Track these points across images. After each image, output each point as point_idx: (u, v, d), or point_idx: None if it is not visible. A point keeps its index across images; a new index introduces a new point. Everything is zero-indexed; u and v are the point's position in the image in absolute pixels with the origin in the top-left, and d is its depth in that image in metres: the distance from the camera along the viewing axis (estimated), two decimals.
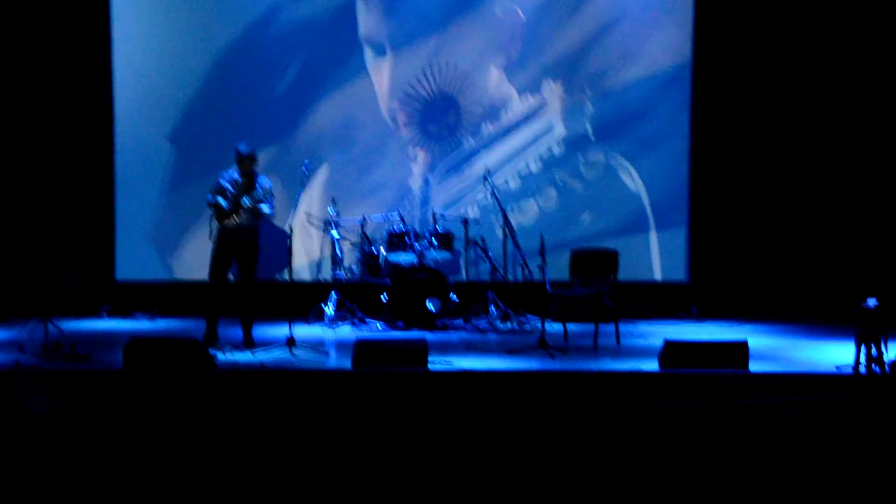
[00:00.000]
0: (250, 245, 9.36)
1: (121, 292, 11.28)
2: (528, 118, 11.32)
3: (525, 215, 11.24)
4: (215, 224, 9.39)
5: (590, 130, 11.30)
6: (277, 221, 10.73)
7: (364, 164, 11.38)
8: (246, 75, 11.33)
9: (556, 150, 11.32)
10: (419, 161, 11.39)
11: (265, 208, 9.29)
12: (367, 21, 11.28)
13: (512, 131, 11.35)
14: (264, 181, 9.39)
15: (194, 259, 11.17)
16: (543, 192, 11.34)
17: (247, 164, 9.33)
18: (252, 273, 9.40)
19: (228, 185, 9.34)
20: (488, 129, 11.30)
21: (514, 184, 11.32)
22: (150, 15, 11.27)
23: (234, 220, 9.25)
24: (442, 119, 11.31)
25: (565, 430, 6.25)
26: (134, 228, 11.32)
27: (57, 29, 11.09)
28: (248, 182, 9.31)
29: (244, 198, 9.19)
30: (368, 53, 11.32)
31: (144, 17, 11.26)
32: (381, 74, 11.35)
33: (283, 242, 9.81)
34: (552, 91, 11.29)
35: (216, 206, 9.33)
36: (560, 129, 11.29)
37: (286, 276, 9.75)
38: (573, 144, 11.30)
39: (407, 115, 11.33)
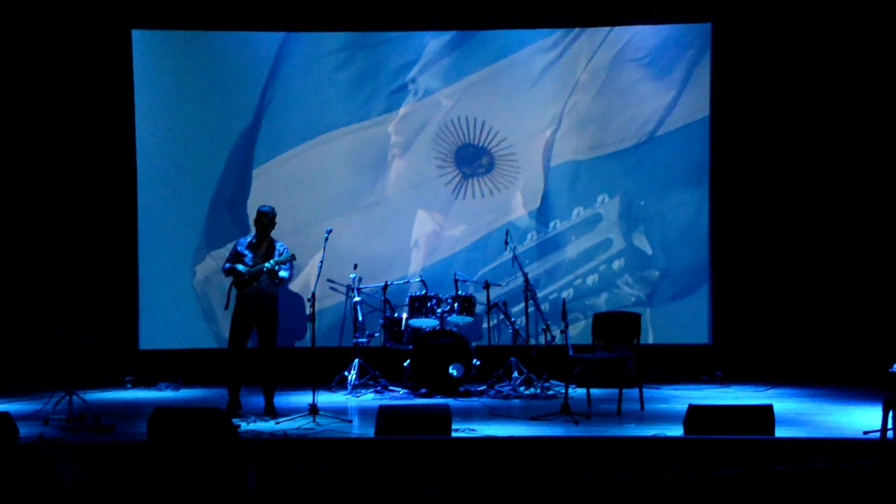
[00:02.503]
0: (270, 312, 9.35)
1: (144, 362, 11.34)
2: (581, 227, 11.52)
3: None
4: (234, 291, 9.40)
5: (646, 243, 11.45)
6: (299, 288, 10.76)
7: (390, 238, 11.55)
8: (265, 148, 11.54)
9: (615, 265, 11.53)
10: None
11: (283, 273, 9.32)
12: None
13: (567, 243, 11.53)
14: (281, 247, 9.42)
15: (216, 328, 11.24)
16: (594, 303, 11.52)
17: (266, 223, 9.39)
18: (272, 341, 9.37)
19: (246, 251, 9.40)
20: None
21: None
22: (170, 93, 11.52)
23: (254, 286, 9.28)
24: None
25: (590, 497, 6.20)
26: (156, 298, 11.41)
27: (83, 109, 11.35)
28: (267, 246, 9.37)
29: (266, 262, 9.23)
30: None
31: (166, 95, 11.51)
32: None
33: (305, 309, 9.81)
34: (605, 203, 11.45)
35: (234, 272, 9.37)
36: (617, 240, 11.48)
37: (309, 343, 9.74)
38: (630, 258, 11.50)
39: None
